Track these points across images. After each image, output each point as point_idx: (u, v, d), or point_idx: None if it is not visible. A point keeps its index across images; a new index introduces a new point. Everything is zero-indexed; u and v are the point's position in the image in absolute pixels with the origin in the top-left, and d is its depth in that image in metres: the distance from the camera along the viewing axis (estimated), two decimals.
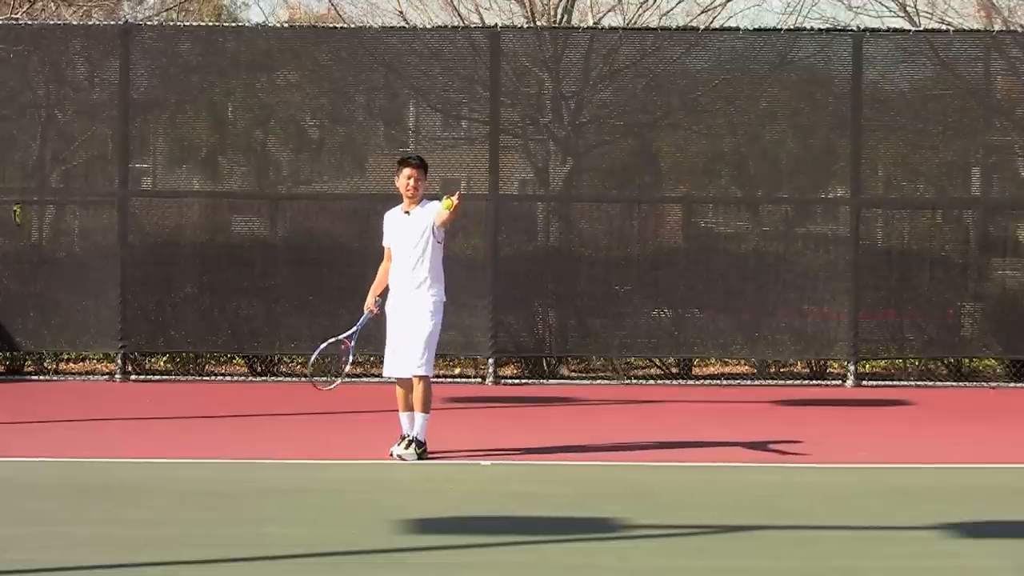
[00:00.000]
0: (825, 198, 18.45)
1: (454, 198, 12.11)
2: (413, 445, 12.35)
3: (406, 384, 12.51)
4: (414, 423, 12.47)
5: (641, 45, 17.98)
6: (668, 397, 16.89)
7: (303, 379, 17.75)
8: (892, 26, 23.93)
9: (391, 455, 12.36)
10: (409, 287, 12.38)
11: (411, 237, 12.37)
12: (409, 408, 12.54)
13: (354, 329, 12.67)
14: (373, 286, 12.69)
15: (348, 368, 12.96)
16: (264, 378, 17.68)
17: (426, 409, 12.39)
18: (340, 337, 12.77)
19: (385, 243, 12.62)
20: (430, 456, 12.42)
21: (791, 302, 17.71)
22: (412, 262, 12.36)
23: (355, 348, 12.84)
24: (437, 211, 12.24)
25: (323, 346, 12.78)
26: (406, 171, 12.41)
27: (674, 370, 18.12)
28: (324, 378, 13.26)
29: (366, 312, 12.63)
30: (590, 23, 23.08)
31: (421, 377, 12.38)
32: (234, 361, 18.21)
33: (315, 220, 18.12)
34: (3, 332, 17.50)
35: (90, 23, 20.50)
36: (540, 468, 12.44)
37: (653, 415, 15.76)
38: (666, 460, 12.83)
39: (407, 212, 12.45)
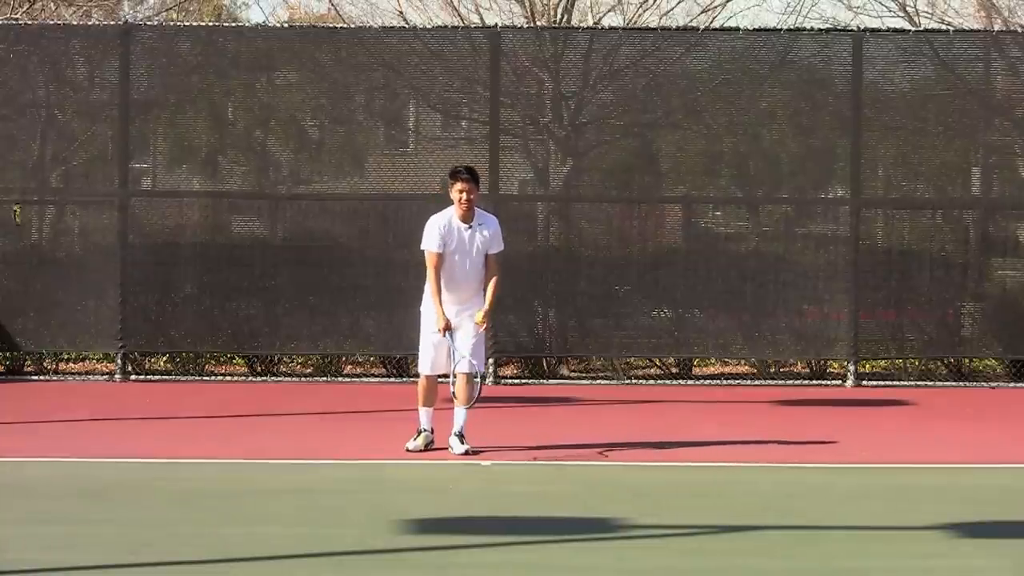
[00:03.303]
0: (825, 198, 18.44)
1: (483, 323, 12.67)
2: (463, 437, 12.66)
3: (434, 381, 12.79)
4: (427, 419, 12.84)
5: (641, 45, 17.98)
6: (668, 397, 16.89)
7: (304, 379, 17.77)
8: (892, 26, 23.90)
9: (457, 451, 12.56)
10: (469, 293, 12.67)
11: (474, 248, 12.65)
12: (432, 404, 12.83)
13: (454, 352, 12.66)
14: (438, 302, 12.56)
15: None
16: (264, 378, 17.67)
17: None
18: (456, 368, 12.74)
19: (436, 249, 12.58)
20: (430, 456, 12.45)
21: (791, 302, 17.70)
22: (474, 271, 12.67)
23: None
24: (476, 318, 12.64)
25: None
26: (459, 185, 12.66)
27: (674, 370, 18.12)
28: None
29: (446, 333, 12.58)
30: (590, 23, 23.06)
31: (473, 375, 12.65)
32: (234, 361, 18.20)
33: (315, 220, 18.11)
34: (3, 332, 17.50)
35: (90, 23, 20.49)
36: (540, 468, 12.44)
37: (653, 415, 15.76)
38: (666, 460, 12.84)
39: (469, 226, 12.63)
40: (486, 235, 12.68)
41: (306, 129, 18.50)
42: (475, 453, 12.58)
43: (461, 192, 12.60)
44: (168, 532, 9.75)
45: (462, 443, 12.62)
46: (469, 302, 12.68)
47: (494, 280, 12.71)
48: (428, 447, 12.76)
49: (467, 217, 12.64)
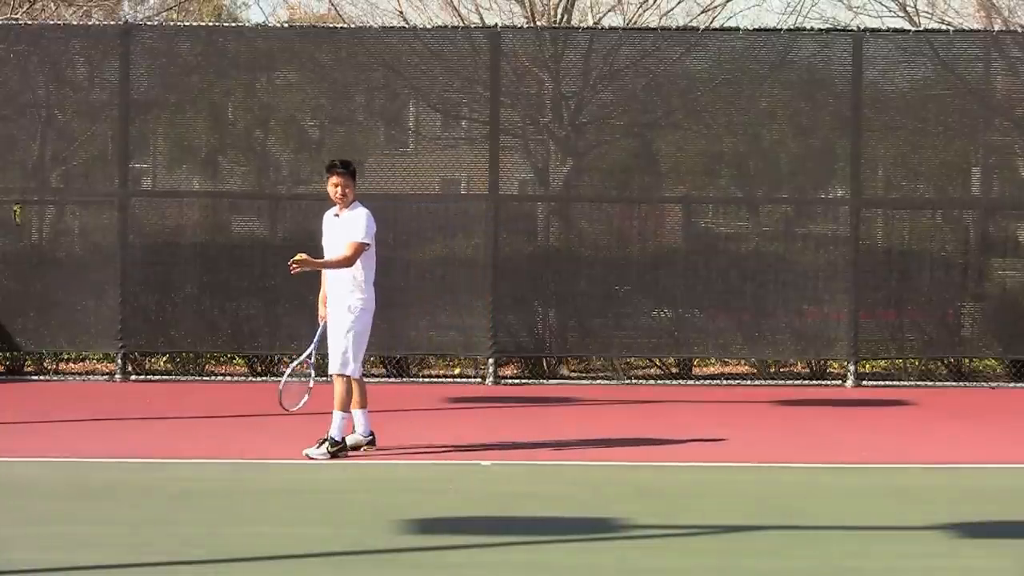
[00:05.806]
0: (825, 198, 18.45)
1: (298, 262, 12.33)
2: (326, 444, 12.39)
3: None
4: (362, 420, 12.63)
5: (641, 45, 17.98)
6: (668, 397, 16.89)
7: (304, 379, 17.74)
8: (892, 26, 23.91)
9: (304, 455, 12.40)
10: (337, 289, 12.52)
11: (340, 240, 12.53)
12: (363, 405, 12.63)
13: (313, 346, 12.81)
14: (321, 294, 12.81)
15: (312, 384, 12.98)
16: (264, 378, 17.66)
17: (344, 408, 12.48)
18: (301, 358, 12.92)
19: (323, 241, 12.81)
20: (428, 456, 12.43)
21: (791, 302, 17.71)
22: None
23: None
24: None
25: (287, 377, 12.87)
26: (332, 179, 12.56)
27: (674, 370, 18.13)
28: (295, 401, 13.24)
29: (321, 324, 12.71)
30: (590, 23, 23.07)
31: (340, 376, 12.44)
32: (234, 361, 18.21)
33: (315, 220, 17.99)
34: (3, 332, 17.50)
35: (90, 23, 20.50)
36: (540, 468, 12.43)
37: (653, 415, 15.76)
38: (666, 460, 12.84)
39: (337, 215, 12.61)
40: (353, 221, 12.48)
41: (306, 129, 18.51)
42: (335, 455, 12.31)
43: (336, 186, 12.52)
44: (168, 532, 9.75)
45: (318, 446, 12.38)
46: (339, 295, 12.47)
47: (336, 258, 12.37)
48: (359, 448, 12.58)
49: (341, 208, 12.58)
